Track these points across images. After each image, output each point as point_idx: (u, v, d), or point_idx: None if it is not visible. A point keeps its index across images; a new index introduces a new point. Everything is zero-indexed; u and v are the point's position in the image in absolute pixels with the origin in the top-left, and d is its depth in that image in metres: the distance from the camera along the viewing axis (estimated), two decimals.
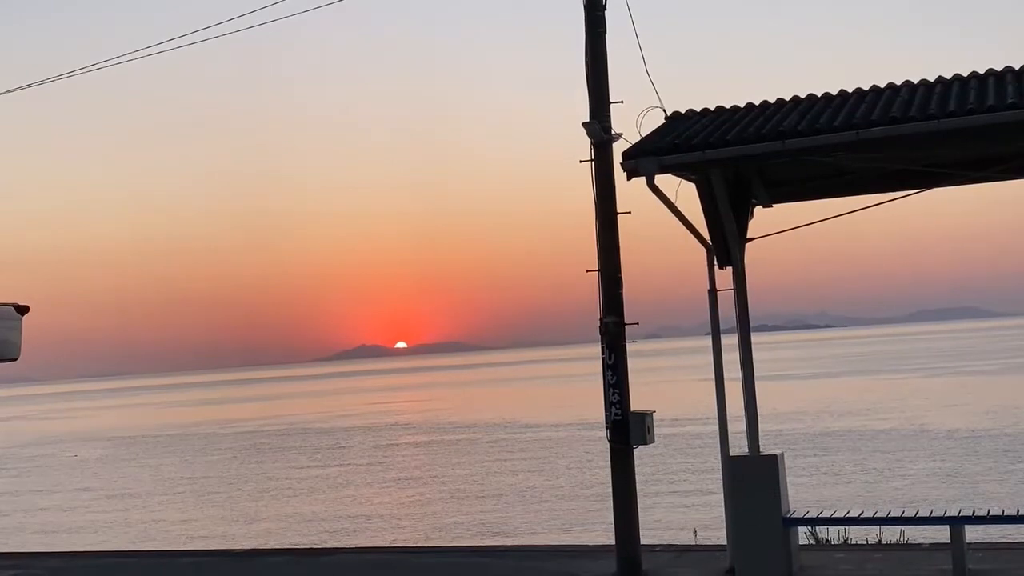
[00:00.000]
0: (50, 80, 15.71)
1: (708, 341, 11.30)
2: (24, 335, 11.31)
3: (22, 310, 11.40)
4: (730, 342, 11.03)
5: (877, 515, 11.08)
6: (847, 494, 24.47)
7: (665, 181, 10.23)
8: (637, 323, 11.60)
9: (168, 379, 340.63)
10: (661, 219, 10.46)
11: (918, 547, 11.92)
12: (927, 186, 10.87)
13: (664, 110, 11.21)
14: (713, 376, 11.15)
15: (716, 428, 11.12)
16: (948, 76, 10.34)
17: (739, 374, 10.98)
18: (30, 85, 15.94)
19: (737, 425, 10.97)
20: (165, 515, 29.49)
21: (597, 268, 11.41)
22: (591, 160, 11.33)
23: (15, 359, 11.30)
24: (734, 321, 11.22)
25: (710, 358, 11.15)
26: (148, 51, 14.74)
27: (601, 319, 11.33)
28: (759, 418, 11.12)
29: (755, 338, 11.37)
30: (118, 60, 15.16)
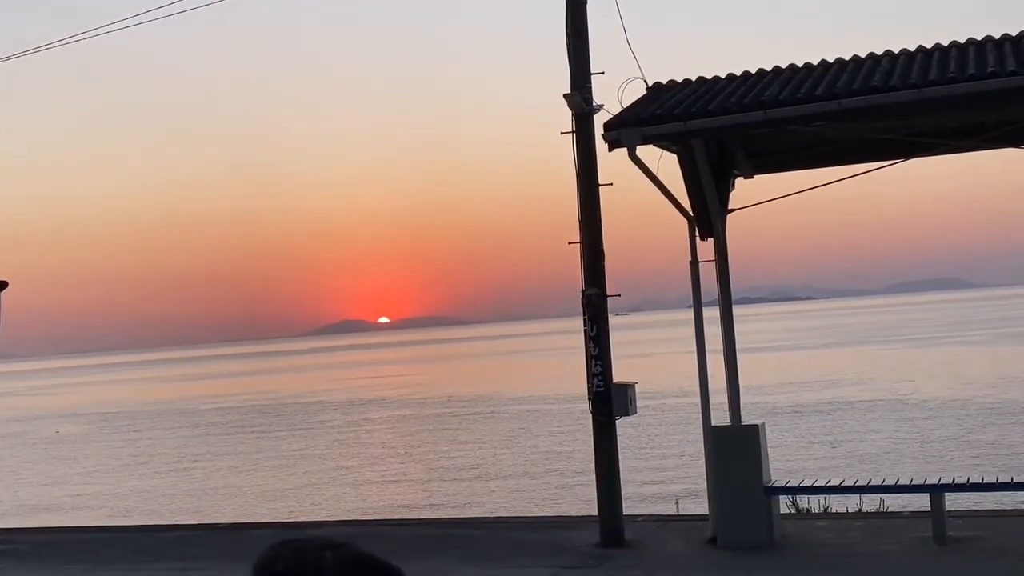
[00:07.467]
0: (36, 50, 15.57)
1: (691, 313, 11.32)
2: (3, 311, 11.24)
3: (1, 285, 11.32)
4: (713, 314, 11.04)
5: (858, 484, 11.18)
6: (828, 464, 24.62)
7: (647, 152, 10.23)
8: (619, 295, 11.62)
9: (151, 355, 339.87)
10: (643, 190, 10.47)
11: (899, 515, 12.02)
12: (908, 156, 10.90)
13: (645, 81, 11.18)
14: (695, 348, 11.19)
15: (698, 399, 11.17)
16: (929, 46, 10.35)
17: (722, 346, 11.02)
18: (17, 55, 15.78)
19: (719, 397, 11.01)
20: (147, 490, 29.45)
21: (579, 240, 11.40)
22: (572, 132, 11.30)
23: None
24: (716, 293, 11.25)
25: (693, 330, 11.17)
26: (135, 20, 14.60)
27: (583, 291, 11.33)
28: (741, 389, 11.17)
29: (738, 310, 11.42)
30: (108, 29, 15.01)
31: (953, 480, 10.82)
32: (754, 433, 10.62)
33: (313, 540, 1.70)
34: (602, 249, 11.38)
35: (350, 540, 1.72)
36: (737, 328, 11.40)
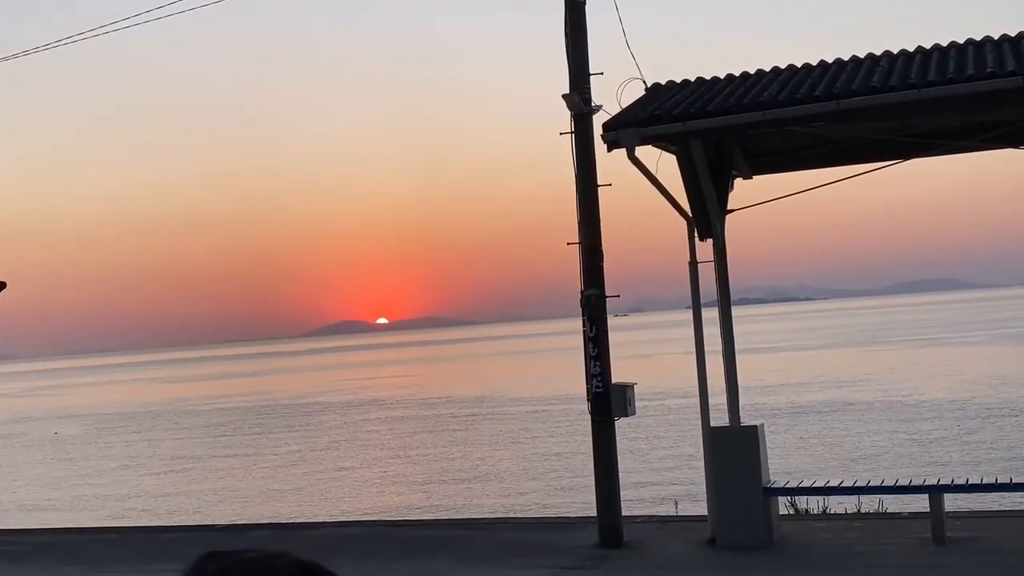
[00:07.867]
0: (36, 50, 15.57)
1: (690, 314, 11.32)
2: (1, 312, 11.23)
3: None
4: (712, 315, 11.04)
5: (856, 485, 11.17)
6: (827, 465, 24.61)
7: (646, 153, 10.23)
8: (618, 295, 11.62)
9: (150, 356, 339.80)
10: (642, 191, 10.47)
11: (897, 516, 12.02)
12: (908, 156, 10.90)
13: (644, 82, 11.18)
14: (694, 349, 11.19)
15: (697, 400, 11.17)
16: (929, 46, 10.35)
17: (721, 346, 11.01)
18: (16, 55, 15.77)
19: (718, 397, 11.01)
20: (146, 491, 29.44)
21: (578, 240, 11.40)
22: (571, 132, 11.30)
23: None
24: (715, 294, 11.25)
25: (692, 331, 11.16)
26: (135, 20, 14.60)
27: (582, 292, 11.33)
28: (740, 390, 11.17)
29: (737, 311, 11.41)
30: (107, 29, 15.00)
31: (952, 481, 10.82)
32: (753, 434, 10.62)
33: (251, 551, 1.61)
34: (601, 250, 11.38)
35: (286, 548, 1.64)
36: (736, 329, 11.40)
